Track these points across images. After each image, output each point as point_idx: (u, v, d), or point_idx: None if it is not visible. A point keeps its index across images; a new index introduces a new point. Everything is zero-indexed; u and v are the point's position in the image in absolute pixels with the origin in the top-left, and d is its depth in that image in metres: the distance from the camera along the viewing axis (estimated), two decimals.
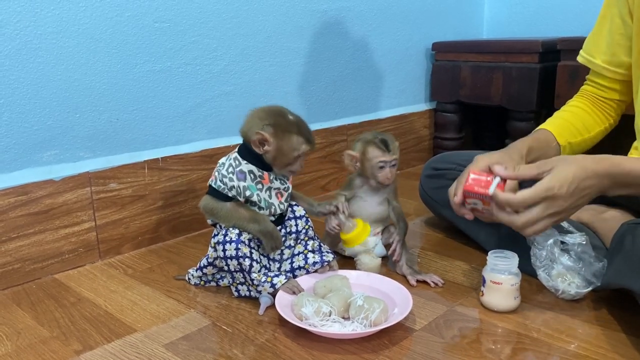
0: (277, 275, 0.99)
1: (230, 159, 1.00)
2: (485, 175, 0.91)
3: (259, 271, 0.98)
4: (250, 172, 0.99)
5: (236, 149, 1.02)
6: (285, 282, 0.98)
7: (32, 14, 1.07)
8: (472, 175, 0.92)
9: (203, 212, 1.02)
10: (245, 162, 0.99)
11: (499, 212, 0.88)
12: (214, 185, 0.99)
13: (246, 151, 0.99)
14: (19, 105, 1.08)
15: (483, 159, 0.97)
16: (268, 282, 0.98)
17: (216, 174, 1.00)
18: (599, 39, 1.14)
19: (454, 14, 2.07)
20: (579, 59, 1.19)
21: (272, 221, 1.02)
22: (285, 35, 1.52)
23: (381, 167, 1.10)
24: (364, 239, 1.09)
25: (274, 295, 0.98)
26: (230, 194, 0.98)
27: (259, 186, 1.00)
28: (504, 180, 0.89)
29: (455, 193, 0.94)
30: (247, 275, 0.98)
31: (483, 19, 2.22)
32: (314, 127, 1.64)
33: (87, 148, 1.19)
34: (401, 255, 1.12)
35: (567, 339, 0.88)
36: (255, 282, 0.98)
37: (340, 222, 1.09)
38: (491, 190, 0.87)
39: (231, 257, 0.97)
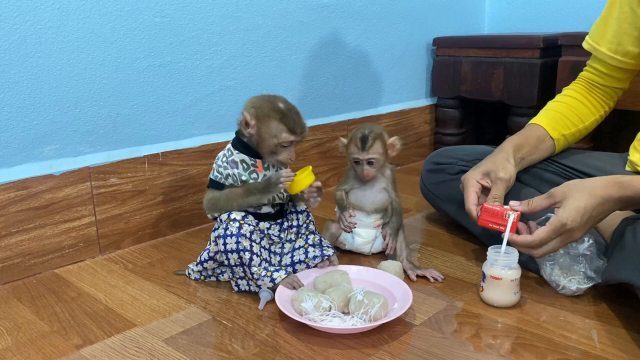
0: (277, 270, 0.99)
1: (225, 150, 1.02)
2: (499, 207, 0.99)
3: (259, 265, 0.98)
4: (242, 161, 1.00)
5: (231, 140, 1.03)
6: (285, 277, 0.98)
7: (31, 8, 1.06)
8: (485, 206, 0.99)
9: (206, 210, 1.02)
10: (237, 152, 1.00)
11: (517, 246, 0.96)
12: (212, 177, 1.02)
13: (238, 141, 1.01)
14: (19, 100, 1.08)
15: (473, 176, 1.07)
16: (268, 276, 0.98)
17: (214, 165, 1.02)
18: (606, 26, 1.12)
19: (455, 9, 2.06)
20: (584, 45, 1.18)
21: (272, 214, 1.03)
22: (286, 30, 1.51)
23: (356, 163, 1.13)
24: (308, 184, 1.01)
25: (273, 290, 0.98)
26: (227, 183, 1.00)
27: (254, 175, 1.00)
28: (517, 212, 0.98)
29: (468, 212, 1.05)
30: (247, 269, 0.98)
31: (484, 14, 2.21)
32: (314, 122, 1.64)
33: (87, 143, 1.19)
34: (394, 248, 1.13)
35: (566, 334, 0.88)
36: (255, 275, 0.98)
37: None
38: (506, 233, 0.96)
39: (232, 251, 0.97)
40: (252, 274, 0.98)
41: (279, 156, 0.98)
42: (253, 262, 0.97)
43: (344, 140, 1.16)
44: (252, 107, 0.98)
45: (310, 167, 1.00)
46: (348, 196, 1.17)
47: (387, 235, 1.15)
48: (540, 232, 0.93)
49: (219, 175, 1.00)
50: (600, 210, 0.91)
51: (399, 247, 1.13)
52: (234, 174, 0.99)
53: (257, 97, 1.00)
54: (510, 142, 1.13)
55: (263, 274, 0.98)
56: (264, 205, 1.02)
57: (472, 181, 1.07)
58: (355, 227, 1.16)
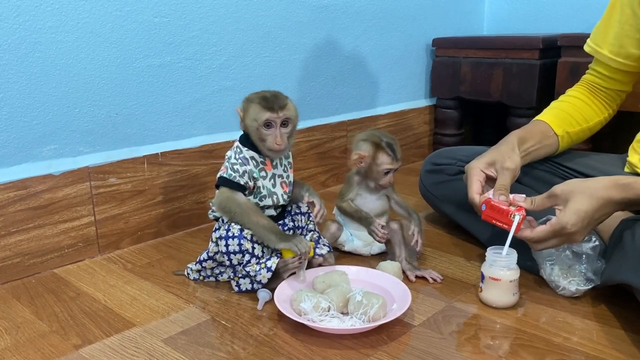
0: (269, 259, 0.99)
1: (234, 149, 1.02)
2: (505, 205, 0.97)
3: (257, 263, 0.98)
4: (252, 158, 1.00)
5: (238, 139, 1.03)
6: (279, 260, 0.98)
7: (31, 8, 1.06)
8: (492, 202, 0.98)
9: (217, 208, 1.01)
10: (247, 149, 1.00)
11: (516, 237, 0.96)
12: (225, 175, 0.99)
13: (246, 139, 1.01)
14: (18, 100, 1.08)
15: (478, 164, 1.05)
16: (263, 268, 0.98)
17: (227, 164, 1.00)
18: (607, 28, 1.12)
19: (455, 10, 2.07)
20: (586, 48, 1.17)
21: (273, 216, 1.03)
22: (285, 30, 1.52)
23: (386, 173, 1.11)
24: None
25: (272, 290, 0.98)
26: (242, 181, 0.98)
27: (263, 173, 1.00)
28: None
29: (471, 200, 1.03)
30: (243, 270, 0.98)
31: (484, 15, 2.21)
32: (313, 122, 1.64)
33: (86, 143, 1.19)
34: (421, 244, 1.13)
35: (565, 335, 0.88)
36: (251, 273, 0.98)
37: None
38: (510, 234, 0.95)
39: (234, 252, 0.97)
40: (247, 272, 0.98)
41: (267, 143, 0.97)
42: (250, 264, 0.98)
43: (362, 152, 1.11)
44: (244, 100, 0.99)
45: (312, 244, 1.02)
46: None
47: (416, 233, 1.13)
48: (540, 231, 0.93)
49: (233, 174, 0.98)
50: (601, 213, 0.90)
51: (398, 247, 1.13)
52: (248, 171, 0.99)
53: (251, 93, 1.01)
54: (514, 135, 1.11)
55: (257, 268, 0.98)
56: (268, 208, 1.02)
57: (477, 170, 1.05)
58: (387, 236, 1.14)
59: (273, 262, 0.98)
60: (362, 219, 1.13)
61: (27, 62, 1.08)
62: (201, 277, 1.09)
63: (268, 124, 0.96)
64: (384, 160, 1.10)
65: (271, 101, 0.96)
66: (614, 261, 0.93)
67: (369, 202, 1.16)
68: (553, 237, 0.92)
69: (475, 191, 1.03)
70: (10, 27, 1.04)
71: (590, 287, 0.98)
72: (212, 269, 1.07)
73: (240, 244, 0.97)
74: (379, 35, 1.79)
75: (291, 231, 1.06)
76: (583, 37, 1.19)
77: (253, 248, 0.98)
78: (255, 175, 0.99)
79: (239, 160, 0.99)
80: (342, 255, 1.19)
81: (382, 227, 1.12)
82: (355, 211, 1.14)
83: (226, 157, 1.02)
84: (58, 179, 1.14)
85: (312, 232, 1.08)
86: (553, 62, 1.66)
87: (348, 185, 1.16)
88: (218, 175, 1.01)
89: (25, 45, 1.07)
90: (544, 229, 0.92)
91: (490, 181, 1.05)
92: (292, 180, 1.06)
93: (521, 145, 1.09)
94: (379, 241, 1.13)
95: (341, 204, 1.16)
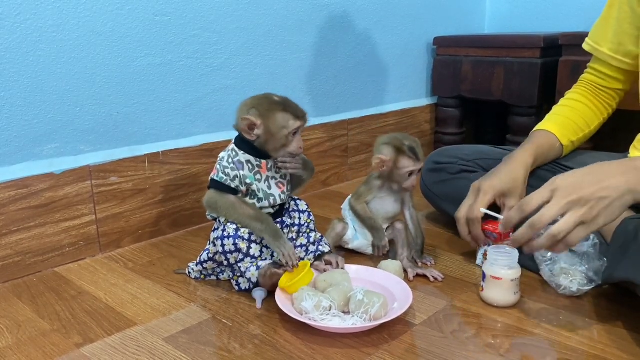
0: (263, 260, 1.00)
1: (229, 151, 1.01)
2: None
3: (250, 262, 0.99)
4: (248, 162, 0.99)
5: (233, 141, 1.02)
6: (271, 262, 0.98)
7: (32, 6, 1.06)
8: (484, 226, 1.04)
9: (205, 207, 1.02)
10: (243, 152, 0.99)
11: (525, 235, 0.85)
12: (216, 178, 1.00)
13: (242, 142, 1.00)
14: (20, 99, 1.08)
15: (492, 190, 1.04)
16: (254, 266, 0.98)
17: (218, 166, 1.00)
18: (606, 26, 1.12)
19: (456, 8, 2.06)
20: (585, 46, 1.17)
21: (271, 214, 1.03)
22: (287, 29, 1.51)
23: (409, 175, 1.09)
24: (307, 283, 0.97)
25: (264, 285, 0.98)
26: (233, 185, 0.99)
27: (258, 176, 1.00)
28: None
29: (472, 215, 1.04)
30: (235, 266, 0.99)
31: (485, 14, 2.21)
32: (314, 121, 1.64)
33: (87, 141, 1.19)
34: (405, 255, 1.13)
35: (566, 334, 0.88)
36: (242, 269, 0.98)
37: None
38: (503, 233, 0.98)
39: (230, 252, 0.97)
40: (239, 268, 0.99)
41: (290, 147, 0.98)
42: (243, 263, 0.98)
43: (384, 157, 1.08)
44: (251, 107, 0.97)
45: (309, 264, 0.99)
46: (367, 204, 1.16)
47: (412, 264, 1.11)
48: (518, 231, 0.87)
49: (224, 177, 0.99)
50: (606, 174, 0.80)
51: (401, 246, 1.13)
52: (240, 176, 0.99)
53: (249, 100, 0.99)
54: (530, 156, 1.10)
55: (249, 265, 0.98)
56: (265, 207, 1.02)
57: (490, 195, 1.05)
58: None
59: (264, 264, 0.98)
60: (374, 230, 1.13)
61: (28, 61, 1.08)
62: (202, 276, 1.09)
63: (295, 132, 0.98)
64: (406, 164, 1.08)
65: (297, 109, 0.98)
66: (615, 259, 0.92)
67: (387, 204, 1.14)
68: (547, 196, 0.83)
69: (481, 206, 1.03)
70: (11, 25, 1.04)
71: (591, 287, 0.97)
72: (213, 268, 1.07)
73: (235, 244, 0.97)
74: (380, 34, 1.79)
75: (290, 228, 1.06)
76: (584, 36, 1.19)
77: (249, 248, 0.98)
78: (249, 180, 0.99)
79: (231, 165, 0.99)
80: (345, 253, 1.19)
81: (385, 248, 1.14)
82: (368, 218, 1.13)
83: (219, 158, 1.01)
84: (59, 178, 1.14)
85: (314, 233, 1.08)
86: (554, 61, 1.65)
87: (368, 188, 1.14)
88: (210, 177, 1.02)
89: (26, 44, 1.07)
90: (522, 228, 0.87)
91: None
92: (289, 179, 1.05)
93: (533, 165, 1.11)
94: (375, 255, 1.15)
95: (356, 206, 1.15)
